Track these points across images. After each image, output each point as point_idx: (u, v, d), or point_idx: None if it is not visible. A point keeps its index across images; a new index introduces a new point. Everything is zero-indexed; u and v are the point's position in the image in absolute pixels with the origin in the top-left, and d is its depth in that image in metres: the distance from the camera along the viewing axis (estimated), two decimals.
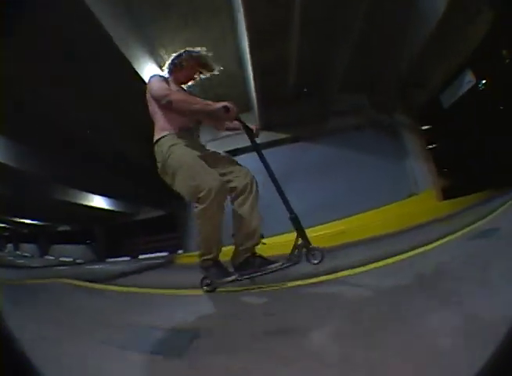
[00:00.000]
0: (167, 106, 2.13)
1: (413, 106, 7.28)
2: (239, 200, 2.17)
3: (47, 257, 8.82)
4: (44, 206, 7.62)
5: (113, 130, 6.44)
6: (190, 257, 6.41)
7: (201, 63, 2.37)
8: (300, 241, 2.06)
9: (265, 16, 4.70)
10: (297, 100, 6.65)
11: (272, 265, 2.04)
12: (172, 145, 2.13)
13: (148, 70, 5.45)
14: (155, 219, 8.30)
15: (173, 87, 2.24)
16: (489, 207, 3.42)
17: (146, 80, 2.27)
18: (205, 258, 2.05)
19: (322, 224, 5.95)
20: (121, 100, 5.81)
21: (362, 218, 5.81)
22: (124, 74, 5.17)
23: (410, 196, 6.87)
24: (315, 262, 2.00)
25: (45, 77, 5.25)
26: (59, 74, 5.17)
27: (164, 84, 2.20)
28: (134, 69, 5.16)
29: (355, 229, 5.41)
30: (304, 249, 2.03)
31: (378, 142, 6.98)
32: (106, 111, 6.07)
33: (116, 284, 3.23)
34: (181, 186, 2.08)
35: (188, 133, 2.25)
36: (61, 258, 8.32)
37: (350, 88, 6.77)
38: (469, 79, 6.53)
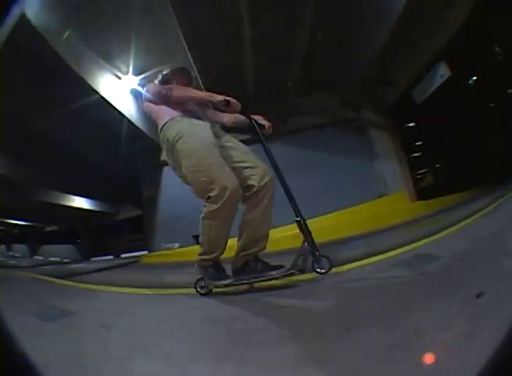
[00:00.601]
0: (166, 98, 2.03)
1: (383, 104, 7.06)
2: (253, 201, 1.97)
3: (36, 257, 9.30)
4: (30, 207, 7.96)
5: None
6: (156, 256, 6.67)
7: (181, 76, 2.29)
8: (305, 247, 1.89)
9: (208, 28, 4.77)
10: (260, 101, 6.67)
11: (274, 272, 1.89)
12: (181, 127, 1.96)
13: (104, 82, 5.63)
14: (134, 219, 8.49)
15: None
16: (462, 212, 3.27)
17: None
18: (205, 257, 1.93)
19: (286, 225, 6.08)
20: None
21: (326, 219, 5.77)
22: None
23: (380, 197, 6.80)
24: (322, 270, 1.86)
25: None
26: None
27: (161, 86, 2.14)
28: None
29: (318, 230, 5.49)
30: (310, 256, 1.87)
31: (346, 141, 6.89)
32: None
33: (70, 280, 3.99)
34: (190, 178, 1.90)
35: (196, 115, 2.08)
36: (50, 258, 8.81)
37: (317, 88, 6.73)
38: (442, 72, 6.24)
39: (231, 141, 2.13)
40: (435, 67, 6.24)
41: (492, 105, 7.00)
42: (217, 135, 2.06)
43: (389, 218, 5.59)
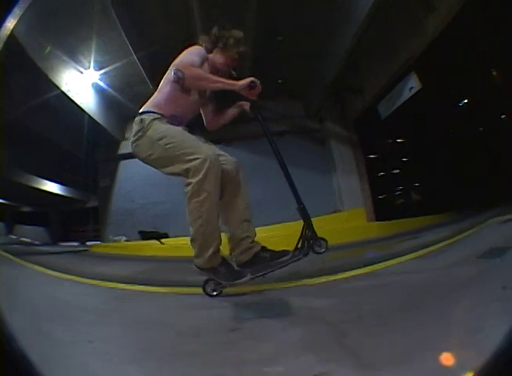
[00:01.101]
0: (179, 82, 1.94)
1: (349, 116, 6.85)
2: (232, 186, 2.01)
3: (11, 236, 9.75)
4: (7, 186, 8.27)
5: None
6: (104, 247, 6.86)
7: (240, 50, 2.15)
8: (306, 233, 2.00)
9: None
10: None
11: (282, 259, 1.91)
12: (155, 119, 1.94)
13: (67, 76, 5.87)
14: None
15: (205, 69, 2.06)
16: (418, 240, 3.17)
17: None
18: (206, 256, 1.80)
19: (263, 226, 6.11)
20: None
21: (272, 229, 5.73)
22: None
23: (334, 212, 6.68)
24: (321, 250, 1.98)
25: None
26: None
27: (196, 60, 1.99)
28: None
29: (261, 239, 5.46)
30: (310, 240, 1.98)
31: (306, 151, 6.78)
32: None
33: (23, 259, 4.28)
34: (165, 156, 1.85)
35: (178, 124, 2.02)
36: (22, 238, 9.26)
37: (281, 93, 6.70)
38: (412, 85, 5.68)
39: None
40: (405, 79, 5.78)
41: (469, 128, 6.71)
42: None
43: (337, 235, 5.52)
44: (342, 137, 6.94)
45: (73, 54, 5.95)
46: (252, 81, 1.94)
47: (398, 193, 7.49)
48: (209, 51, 2.15)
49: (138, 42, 5.10)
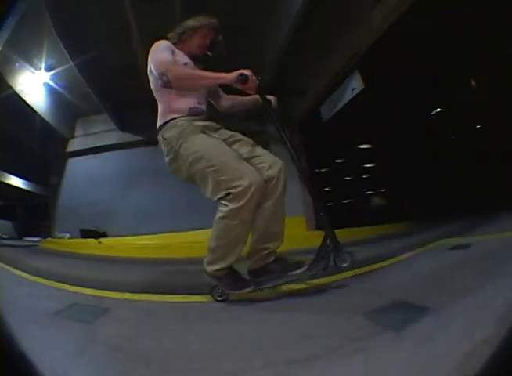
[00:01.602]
0: (167, 87, 1.78)
1: (292, 118, 6.67)
2: (268, 191, 1.79)
3: None
4: None
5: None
6: (49, 243, 7.04)
7: (215, 27, 2.00)
8: (328, 243, 1.78)
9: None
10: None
11: (297, 272, 1.77)
12: (184, 130, 1.78)
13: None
14: None
15: (181, 59, 1.89)
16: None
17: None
18: (217, 267, 1.73)
19: (153, 233, 6.15)
20: None
21: (197, 234, 5.51)
22: None
23: None
24: (344, 265, 1.77)
25: None
26: None
27: (167, 56, 1.82)
28: None
29: (178, 246, 5.36)
30: (332, 252, 1.76)
31: None
32: None
33: None
34: (206, 180, 1.71)
35: (201, 115, 1.90)
36: None
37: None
38: (354, 85, 5.49)
39: (235, 136, 1.94)
40: (348, 79, 5.62)
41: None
42: (221, 134, 1.90)
43: None
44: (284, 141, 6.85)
45: (27, 56, 6.21)
46: (241, 74, 1.73)
47: (345, 201, 7.44)
48: (178, 42, 1.98)
49: (72, 46, 5.27)
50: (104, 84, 6.06)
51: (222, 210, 1.68)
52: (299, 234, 6.34)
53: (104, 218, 6.51)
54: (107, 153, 6.82)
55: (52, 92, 6.75)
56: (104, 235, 6.38)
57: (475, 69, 6.07)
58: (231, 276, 1.77)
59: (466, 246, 2.45)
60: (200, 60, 2.00)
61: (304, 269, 1.76)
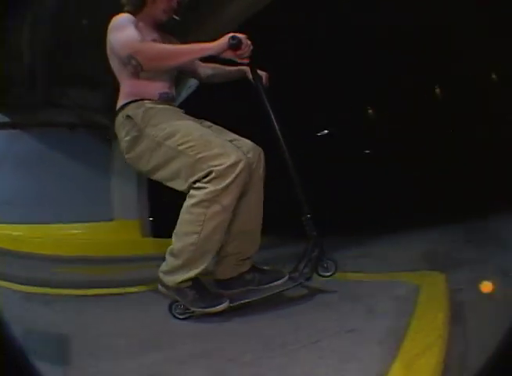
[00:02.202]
0: (138, 70, 1.50)
1: None
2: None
3: None
4: None
5: None
6: None
7: None
8: (311, 251, 1.54)
9: None
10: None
11: (276, 283, 1.53)
12: (154, 107, 1.54)
13: None
14: None
15: (145, 33, 1.59)
16: None
17: None
18: (181, 278, 1.39)
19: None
20: None
21: (33, 228, 4.99)
22: None
23: (111, 221, 6.03)
24: (327, 274, 1.54)
25: None
26: None
27: (132, 33, 1.50)
28: None
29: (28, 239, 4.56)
30: (316, 260, 1.53)
31: (94, 150, 5.97)
32: None
33: None
34: (177, 159, 1.41)
35: (171, 102, 1.69)
36: None
37: (81, 82, 5.74)
38: (191, 82, 4.79)
39: (205, 123, 1.70)
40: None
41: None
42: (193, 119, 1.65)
43: (89, 247, 4.84)
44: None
45: None
46: (232, 37, 1.44)
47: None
48: (137, 12, 1.66)
49: None
50: None
51: (197, 194, 1.37)
52: (132, 240, 6.03)
53: None
54: None
55: None
56: None
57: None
58: (195, 291, 1.43)
59: None
60: (165, 26, 1.76)
61: (285, 279, 1.57)
